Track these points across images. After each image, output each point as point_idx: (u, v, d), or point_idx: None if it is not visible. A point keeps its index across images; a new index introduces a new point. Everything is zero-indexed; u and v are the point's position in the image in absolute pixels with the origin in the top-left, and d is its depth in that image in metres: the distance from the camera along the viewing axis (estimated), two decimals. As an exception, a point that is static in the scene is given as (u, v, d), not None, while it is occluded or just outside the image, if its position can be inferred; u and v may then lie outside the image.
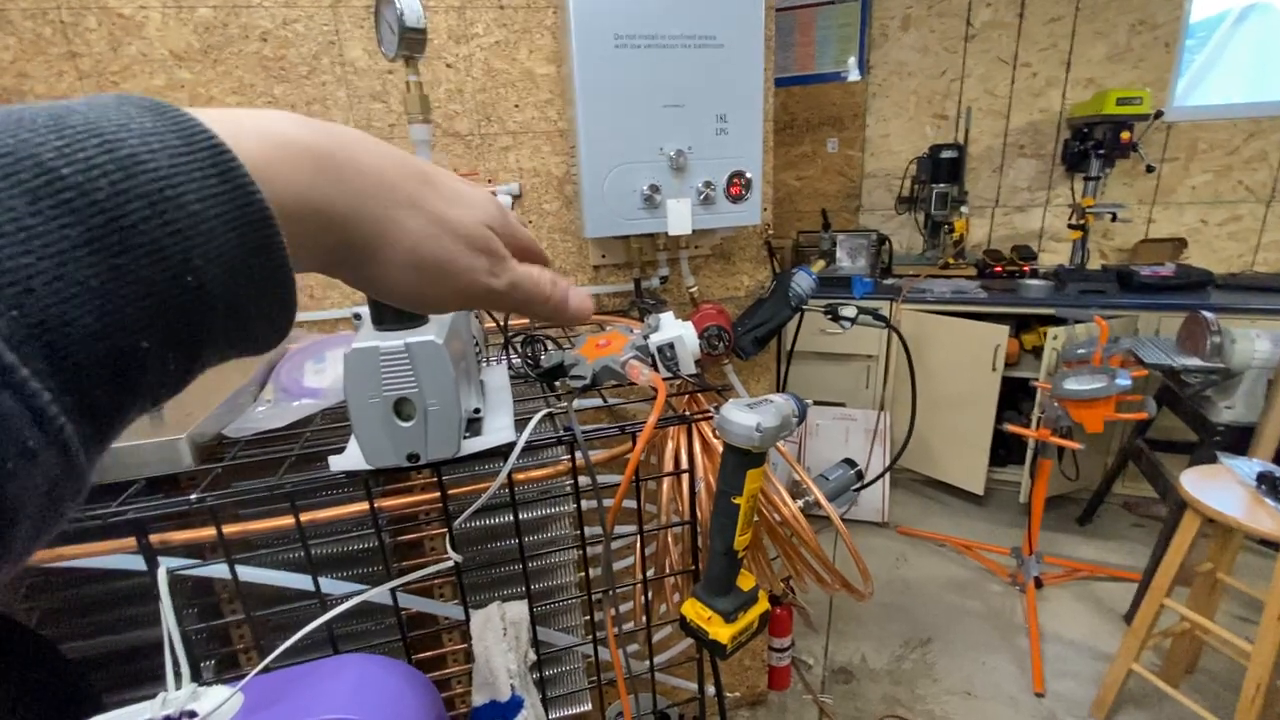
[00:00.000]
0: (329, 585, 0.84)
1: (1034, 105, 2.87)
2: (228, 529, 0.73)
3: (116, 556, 0.71)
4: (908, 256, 3.18)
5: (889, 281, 2.86)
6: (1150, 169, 2.56)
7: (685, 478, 0.89)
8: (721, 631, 0.79)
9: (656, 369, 0.91)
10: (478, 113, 1.21)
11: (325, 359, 1.05)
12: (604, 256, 1.33)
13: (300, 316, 1.20)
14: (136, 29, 1.04)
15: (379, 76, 1.15)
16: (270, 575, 0.75)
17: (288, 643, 0.67)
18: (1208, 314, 1.89)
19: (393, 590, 0.75)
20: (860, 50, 3.04)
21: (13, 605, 0.84)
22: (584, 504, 0.89)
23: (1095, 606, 2.14)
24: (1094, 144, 2.53)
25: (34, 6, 1.00)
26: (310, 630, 0.68)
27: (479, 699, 0.80)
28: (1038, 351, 2.61)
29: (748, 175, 1.20)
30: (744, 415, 0.72)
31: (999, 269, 2.79)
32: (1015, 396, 2.68)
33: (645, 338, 0.93)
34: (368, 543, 0.96)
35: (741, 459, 0.74)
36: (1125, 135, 2.40)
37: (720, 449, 0.80)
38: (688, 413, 0.80)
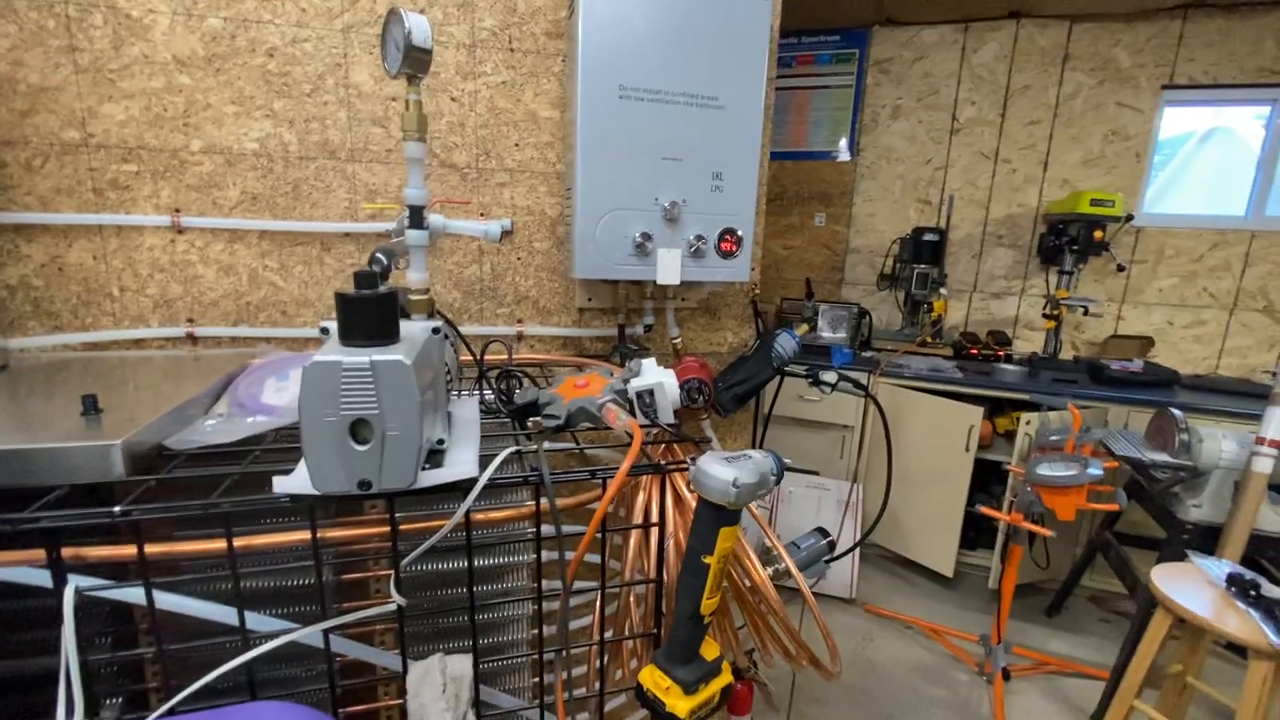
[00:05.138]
0: (256, 621, 0.76)
1: (1013, 199, 3.00)
2: (153, 549, 0.67)
3: (21, 569, 0.64)
4: (886, 332, 3.23)
5: (868, 354, 2.89)
6: (1121, 268, 2.66)
7: (654, 533, 0.84)
8: (680, 704, 0.73)
9: (634, 415, 0.88)
10: (477, 147, 1.22)
11: (289, 376, 1.00)
12: (590, 300, 1.32)
13: (269, 332, 1.16)
14: (143, 31, 1.03)
15: (382, 102, 1.15)
16: (189, 605, 0.68)
17: (196, 684, 0.60)
18: (1176, 411, 1.92)
19: (325, 632, 0.69)
20: (851, 133, 3.19)
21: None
22: (543, 555, 0.84)
23: (1062, 704, 2.07)
24: (1068, 240, 2.64)
25: (40, -2, 0.99)
26: (227, 670, 0.62)
27: (407, 763, 0.72)
28: (1010, 436, 2.63)
29: (739, 233, 1.21)
30: (721, 469, 0.69)
31: (975, 351, 2.85)
32: (987, 479, 2.68)
33: (625, 382, 0.90)
34: (306, 578, 0.89)
35: (716, 515, 0.70)
36: (1098, 234, 2.51)
37: (694, 504, 0.77)
38: (663, 462, 0.77)
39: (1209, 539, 1.81)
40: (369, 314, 0.59)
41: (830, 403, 2.71)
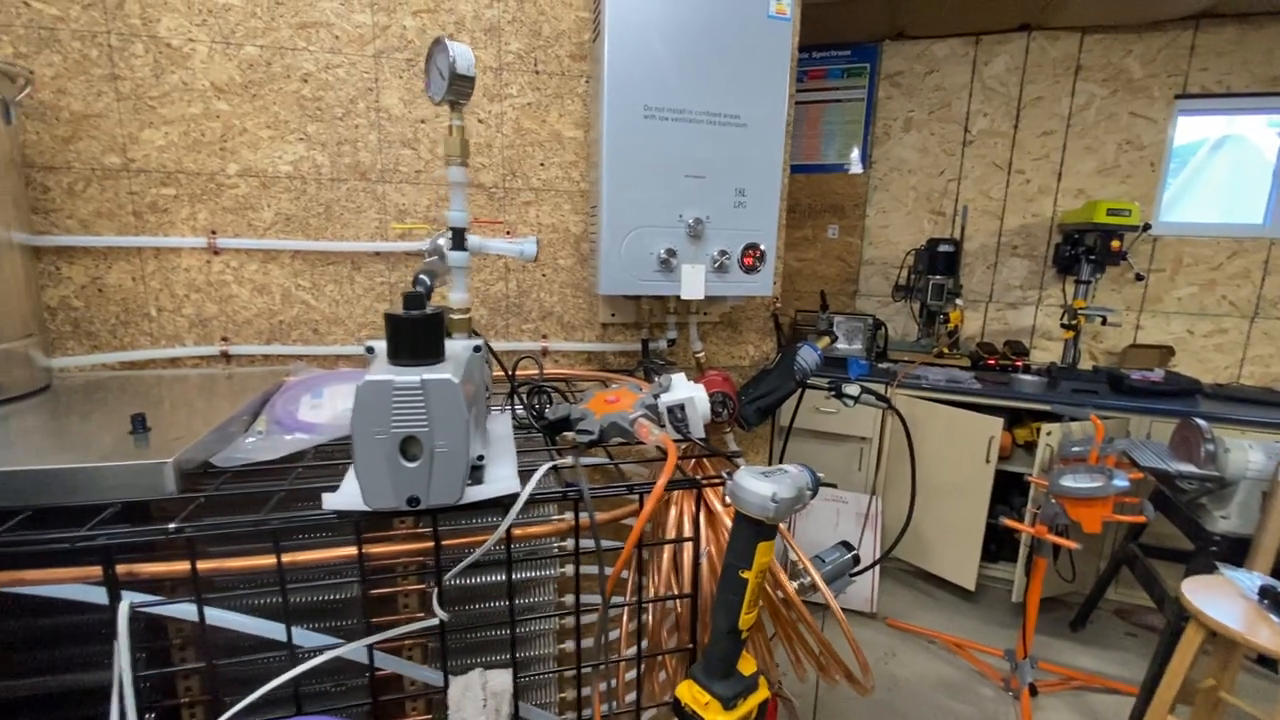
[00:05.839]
0: (298, 636, 0.77)
1: (1027, 209, 3.00)
2: (202, 565, 0.68)
3: (74, 586, 0.65)
4: (902, 343, 3.22)
5: (884, 365, 2.88)
6: (1140, 277, 2.65)
7: (687, 547, 0.85)
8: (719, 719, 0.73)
9: (665, 429, 0.88)
10: (504, 167, 1.24)
11: (323, 394, 1.02)
12: (614, 315, 1.33)
13: (301, 350, 1.18)
14: (182, 59, 1.06)
15: (411, 125, 1.18)
16: (240, 620, 0.69)
17: (251, 697, 0.61)
18: (1201, 421, 1.90)
19: (370, 648, 0.69)
20: (864, 145, 3.20)
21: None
22: (577, 569, 0.84)
23: (1091, 720, 2.03)
24: (1085, 250, 2.63)
25: (85, 29, 1.02)
26: (277, 686, 0.63)
27: (448, 779, 0.73)
28: (1030, 447, 2.61)
29: (762, 247, 1.22)
30: (759, 484, 0.69)
31: (992, 361, 2.83)
32: (1007, 491, 2.66)
33: (655, 397, 0.91)
34: (339, 594, 0.89)
35: (754, 530, 0.71)
36: (1115, 244, 2.50)
37: (727, 520, 0.77)
38: (698, 477, 0.77)
39: (1238, 551, 1.78)
40: (418, 334, 0.60)
41: (848, 415, 2.70)
